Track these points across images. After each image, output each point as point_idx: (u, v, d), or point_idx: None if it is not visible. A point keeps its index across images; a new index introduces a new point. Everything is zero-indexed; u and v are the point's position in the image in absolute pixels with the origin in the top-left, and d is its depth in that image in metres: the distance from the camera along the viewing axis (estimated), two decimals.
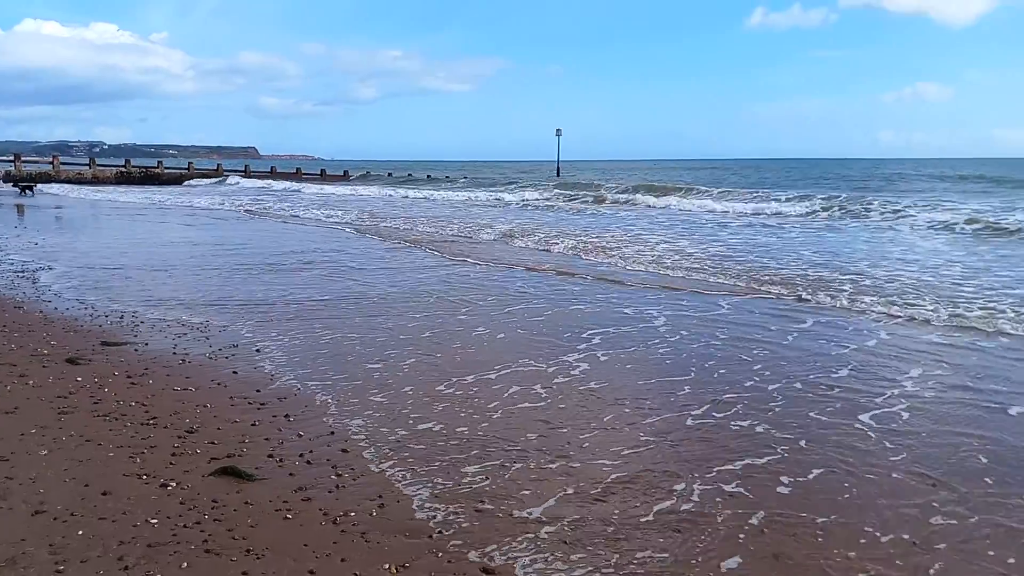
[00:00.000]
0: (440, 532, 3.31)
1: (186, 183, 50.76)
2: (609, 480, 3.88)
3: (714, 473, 3.98)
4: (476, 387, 5.41)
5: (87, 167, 53.40)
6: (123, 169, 53.02)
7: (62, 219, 22.66)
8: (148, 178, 52.17)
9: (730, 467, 4.06)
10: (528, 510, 3.53)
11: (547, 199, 31.05)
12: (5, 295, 8.69)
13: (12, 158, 50.92)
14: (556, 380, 5.58)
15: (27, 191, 35.12)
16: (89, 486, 3.67)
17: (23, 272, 10.56)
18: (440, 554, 3.12)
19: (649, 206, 25.91)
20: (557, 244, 14.63)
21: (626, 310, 8.19)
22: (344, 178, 60.49)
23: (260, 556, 3.07)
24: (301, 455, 4.13)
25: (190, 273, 10.89)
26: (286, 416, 4.75)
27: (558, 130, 66.68)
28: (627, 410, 4.97)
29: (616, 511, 3.53)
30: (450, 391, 5.33)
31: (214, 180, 53.57)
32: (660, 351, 6.49)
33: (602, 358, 6.22)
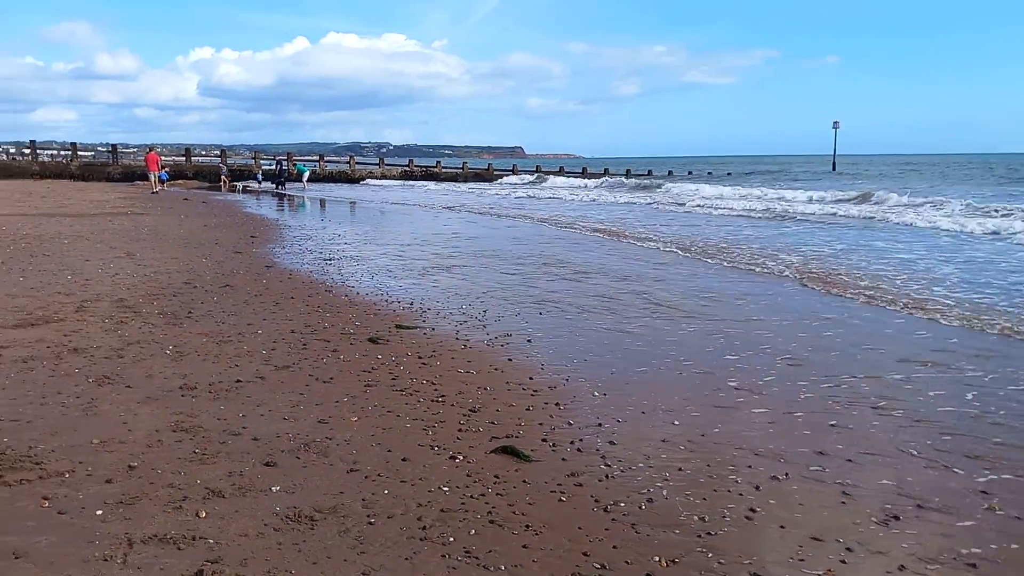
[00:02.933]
0: (709, 534, 3.32)
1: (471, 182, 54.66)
2: (878, 509, 3.64)
3: None
4: (749, 406, 5.30)
5: (376, 166, 59.49)
6: (407, 168, 58.31)
7: (357, 212, 25.44)
8: (428, 176, 56.91)
9: None
10: (796, 527, 3.43)
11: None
12: (317, 280, 10.00)
13: (317, 158, 58.14)
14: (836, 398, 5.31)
15: (280, 185, 40.64)
16: (391, 452, 4.16)
17: (330, 260, 12.06)
18: (710, 554, 3.14)
19: None
20: None
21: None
22: (601, 175, 61.40)
23: (538, 532, 3.30)
24: (572, 442, 4.34)
25: (469, 267, 11.74)
26: (556, 404, 5.01)
27: (835, 123, 62.32)
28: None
29: (905, 544, 3.31)
30: (718, 406, 5.27)
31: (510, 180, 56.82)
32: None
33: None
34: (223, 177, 42.50)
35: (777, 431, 4.61)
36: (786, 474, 3.98)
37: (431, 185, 48.85)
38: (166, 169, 41.81)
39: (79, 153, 49.38)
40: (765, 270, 11.14)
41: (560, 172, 61.00)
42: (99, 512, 3.35)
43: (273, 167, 46.56)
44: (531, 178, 54.63)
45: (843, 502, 3.68)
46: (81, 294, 8.31)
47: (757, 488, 3.81)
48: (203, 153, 57.90)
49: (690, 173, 70.31)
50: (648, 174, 66.17)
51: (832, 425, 4.71)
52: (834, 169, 66.84)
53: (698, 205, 27.02)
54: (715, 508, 3.58)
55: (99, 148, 56.97)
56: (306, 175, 44.22)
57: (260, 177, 44.25)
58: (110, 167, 47.18)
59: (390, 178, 55.53)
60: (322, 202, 31.00)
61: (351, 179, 53.90)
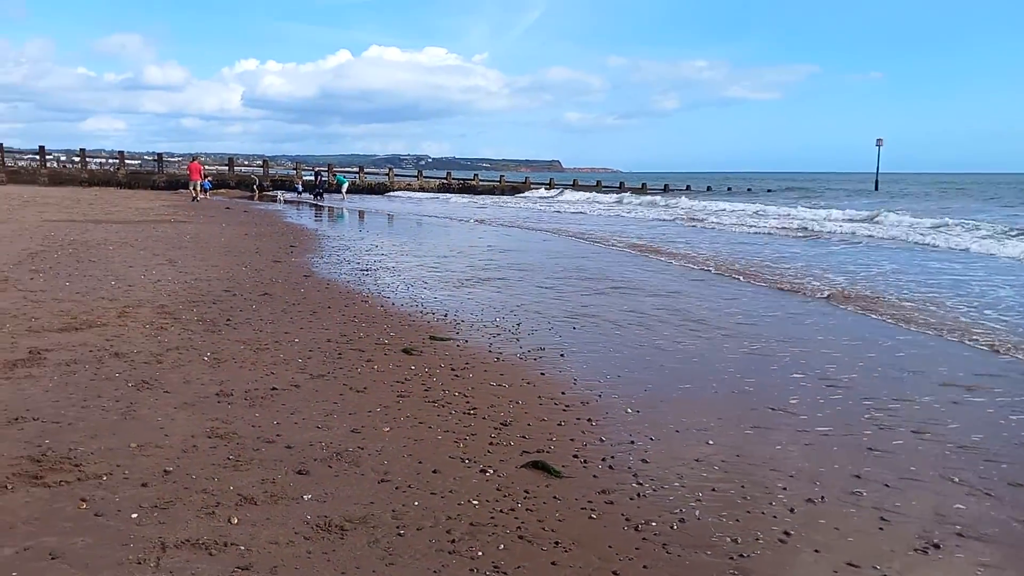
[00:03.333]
0: (741, 556, 3.27)
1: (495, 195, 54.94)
2: (917, 536, 3.54)
3: None
4: (772, 429, 5.22)
5: (415, 178, 60.00)
6: (444, 181, 58.71)
7: (395, 224, 25.65)
8: (465, 189, 57.25)
9: None
10: (832, 551, 3.35)
11: None
12: (354, 290, 10.09)
13: (357, 170, 58.83)
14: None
15: (319, 196, 41.09)
16: (422, 463, 4.17)
17: (367, 270, 12.17)
18: None
19: None
20: None
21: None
22: (642, 191, 61.25)
23: (568, 550, 3.27)
24: (603, 459, 4.31)
25: (503, 280, 11.76)
26: (588, 420, 4.98)
27: (878, 140, 61.36)
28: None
29: (945, 574, 3.22)
30: (754, 426, 5.19)
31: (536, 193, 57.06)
32: None
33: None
34: (255, 188, 43.77)
35: (813, 453, 4.53)
36: (822, 497, 3.90)
37: (454, 198, 49.10)
38: (209, 178, 42.71)
39: (126, 162, 50.56)
40: (800, 289, 10.97)
41: (574, 185, 61.75)
42: (134, 515, 3.40)
43: (312, 178, 47.30)
44: (549, 193, 54.69)
45: (881, 528, 3.59)
46: (124, 299, 8.49)
47: (792, 511, 3.74)
48: (246, 163, 58.91)
49: (729, 189, 69.78)
50: (687, 189, 65.92)
51: (870, 448, 4.60)
52: (876, 188, 65.84)
53: (730, 222, 26.75)
54: (748, 530, 3.52)
55: (145, 157, 58.32)
56: (345, 186, 44.80)
57: (300, 188, 44.92)
58: (155, 175, 48.24)
59: (427, 190, 56.01)
60: (361, 213, 31.33)
61: (388, 189, 54.47)
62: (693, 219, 28.52)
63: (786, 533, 3.51)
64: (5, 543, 3.11)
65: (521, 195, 54.68)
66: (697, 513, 3.67)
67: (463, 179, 60.67)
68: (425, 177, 61.09)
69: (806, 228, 23.14)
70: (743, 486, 4.02)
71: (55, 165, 50.24)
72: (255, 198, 41.11)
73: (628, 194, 52.94)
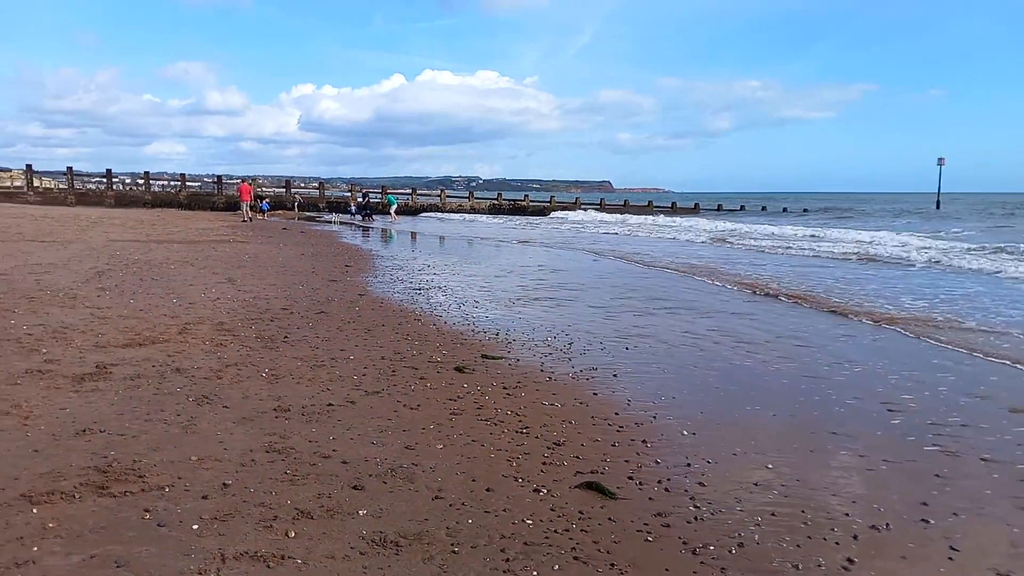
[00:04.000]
0: None
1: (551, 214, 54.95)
2: (989, 568, 3.40)
3: None
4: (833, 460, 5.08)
5: (466, 199, 60.57)
6: (495, 201, 59.12)
7: (446, 244, 25.86)
8: (516, 210, 57.53)
9: None
10: None
11: None
12: (408, 308, 10.18)
13: (410, 191, 59.65)
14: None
15: (367, 217, 41.59)
16: (476, 481, 4.16)
17: (419, 289, 12.28)
18: None
19: None
20: None
21: None
22: (694, 211, 60.84)
23: (623, 572, 3.22)
24: (659, 481, 4.24)
25: (553, 299, 11.75)
26: (643, 442, 4.91)
27: (940, 159, 59.83)
28: None
29: None
30: (814, 451, 5.07)
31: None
32: None
33: None
34: (295, 207, 45.13)
35: (877, 480, 4.39)
36: (887, 525, 3.78)
37: (481, 218, 49.20)
38: (267, 199, 43.80)
39: (187, 184, 52.14)
40: (857, 312, 10.71)
41: (601, 205, 62.01)
42: (195, 527, 3.46)
43: (361, 199, 48.14)
44: (577, 215, 54.53)
45: (951, 558, 3.46)
46: (185, 316, 8.71)
47: (855, 538, 3.62)
48: (302, 185, 60.22)
49: (785, 210, 68.67)
50: (741, 208, 65.14)
51: (937, 475, 4.45)
52: (938, 207, 64.18)
53: (782, 244, 26.28)
54: (810, 556, 3.42)
55: (205, 179, 60.00)
56: (394, 207, 45.31)
57: (354, 209, 45.68)
58: (215, 197, 49.64)
59: (479, 211, 56.43)
60: (413, 235, 31.68)
61: (440, 210, 55.06)
62: (743, 240, 28.11)
63: (849, 561, 3.40)
64: (73, 550, 3.20)
65: (548, 216, 54.38)
66: (756, 538, 3.59)
67: (513, 199, 61.01)
68: (476, 198, 61.60)
69: (865, 252, 22.55)
70: (803, 511, 3.92)
71: (120, 187, 52.05)
72: (296, 217, 42.03)
73: (663, 216, 52.50)
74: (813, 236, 28.76)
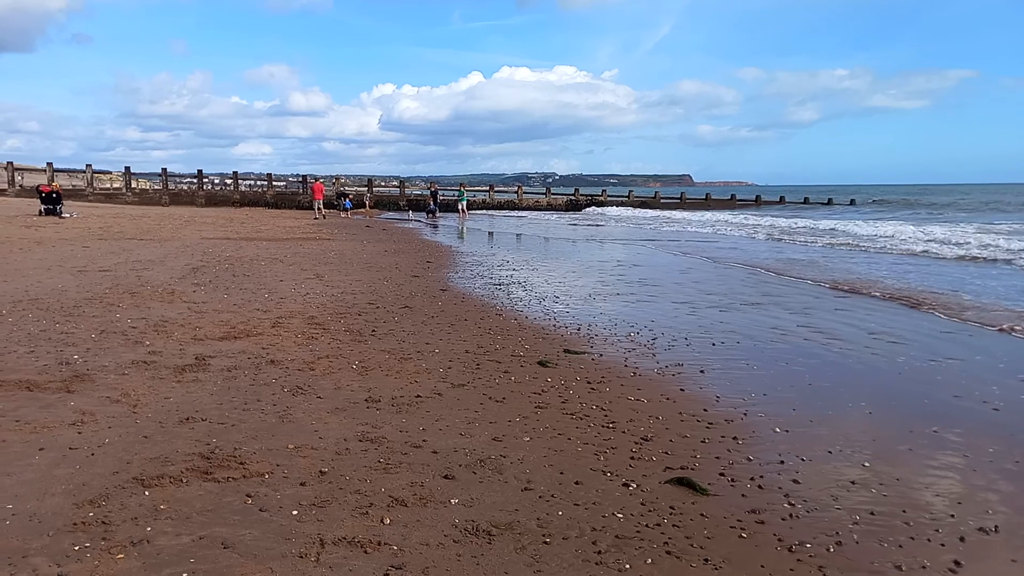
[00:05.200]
0: None
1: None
2: None
3: None
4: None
5: (543, 195, 60.57)
6: (572, 197, 58.91)
7: (522, 241, 25.93)
8: (593, 204, 57.22)
9: None
10: None
11: None
12: (489, 303, 10.27)
13: (487, 188, 60.05)
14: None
15: (431, 215, 41.41)
16: (564, 474, 4.17)
17: (499, 285, 12.36)
18: None
19: None
20: None
21: None
22: (780, 203, 59.34)
23: (718, 567, 3.18)
24: (752, 478, 4.16)
25: (634, 295, 11.65)
26: (734, 438, 4.82)
27: None
28: None
29: None
30: (913, 449, 4.88)
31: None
32: None
33: None
34: (366, 204, 46.11)
35: (982, 480, 4.21)
36: (995, 527, 3.62)
37: (548, 216, 48.93)
38: (350, 198, 44.81)
39: (273, 183, 53.81)
40: (948, 309, 10.24)
41: (682, 200, 61.11)
42: (295, 512, 3.58)
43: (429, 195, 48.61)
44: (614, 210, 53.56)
45: None
46: (276, 311, 9.01)
47: (962, 540, 3.48)
48: (383, 184, 61.38)
49: (875, 201, 65.76)
50: (828, 202, 63.08)
51: None
52: None
53: (868, 243, 25.31)
54: (913, 557, 3.31)
55: (290, 179, 61.79)
56: (463, 204, 45.37)
57: (431, 206, 46.23)
58: (300, 196, 51.03)
59: (555, 207, 56.37)
60: (490, 233, 31.88)
61: (516, 207, 55.24)
62: (828, 236, 27.20)
63: (956, 563, 3.27)
64: (183, 531, 3.36)
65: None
66: (855, 537, 3.48)
67: (591, 195, 60.66)
68: (553, 194, 61.53)
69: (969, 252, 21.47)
70: (904, 511, 3.78)
71: (210, 187, 54.11)
72: (368, 215, 42.75)
73: (727, 212, 51.12)
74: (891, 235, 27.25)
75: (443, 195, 48.82)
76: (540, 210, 55.15)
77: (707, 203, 60.30)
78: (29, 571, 2.98)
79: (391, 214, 44.67)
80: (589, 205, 56.81)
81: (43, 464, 4.07)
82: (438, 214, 42.89)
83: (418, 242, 22.82)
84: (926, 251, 20.01)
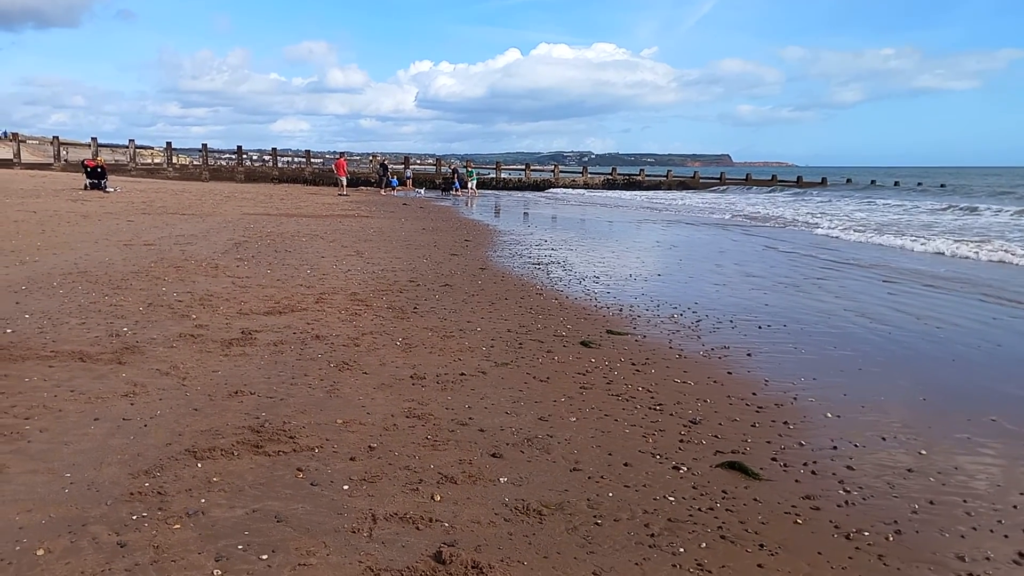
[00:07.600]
0: (972, 574, 2.99)
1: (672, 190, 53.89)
2: None
3: None
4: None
5: (579, 175, 60.21)
6: (609, 176, 58.44)
7: (558, 220, 25.80)
8: (630, 184, 56.75)
9: None
10: None
11: None
12: (529, 282, 10.23)
13: (523, 167, 59.82)
14: None
15: (445, 192, 42.93)
16: (612, 455, 4.13)
17: (539, 264, 12.31)
18: None
19: None
20: None
21: None
22: (822, 184, 58.26)
23: (774, 553, 3.12)
24: (805, 464, 4.09)
25: (675, 276, 11.52)
26: (785, 423, 4.74)
27: None
28: None
29: None
30: (972, 438, 4.76)
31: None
32: None
33: None
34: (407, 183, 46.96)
35: None
36: None
37: (583, 193, 48.53)
38: (395, 176, 45.57)
39: (311, 160, 54.15)
40: (996, 296, 9.96)
41: (721, 179, 60.67)
42: (345, 487, 3.60)
43: (448, 174, 49.61)
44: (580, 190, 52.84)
45: None
46: (319, 287, 9.07)
47: None
48: (418, 161, 61.38)
49: (943, 186, 62.82)
50: (872, 184, 61.69)
51: None
52: None
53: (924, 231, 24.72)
54: (977, 548, 3.22)
55: (327, 156, 62.05)
56: (473, 182, 45.95)
57: (458, 184, 46.56)
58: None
59: (592, 186, 56.00)
60: (525, 214, 31.78)
61: (552, 186, 55.01)
62: (878, 223, 26.65)
63: (1021, 555, 3.19)
64: (236, 504, 3.39)
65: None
66: (915, 526, 3.40)
67: (628, 175, 60.13)
68: (590, 173, 61.10)
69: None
70: (965, 500, 3.69)
71: (249, 164, 54.61)
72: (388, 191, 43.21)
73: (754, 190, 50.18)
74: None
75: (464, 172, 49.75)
76: (618, 189, 54.90)
77: (747, 182, 59.49)
78: (89, 539, 3.03)
79: (427, 192, 44.82)
80: (628, 187, 56.32)
81: (99, 434, 4.14)
82: (459, 190, 43.95)
83: (455, 220, 22.82)
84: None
